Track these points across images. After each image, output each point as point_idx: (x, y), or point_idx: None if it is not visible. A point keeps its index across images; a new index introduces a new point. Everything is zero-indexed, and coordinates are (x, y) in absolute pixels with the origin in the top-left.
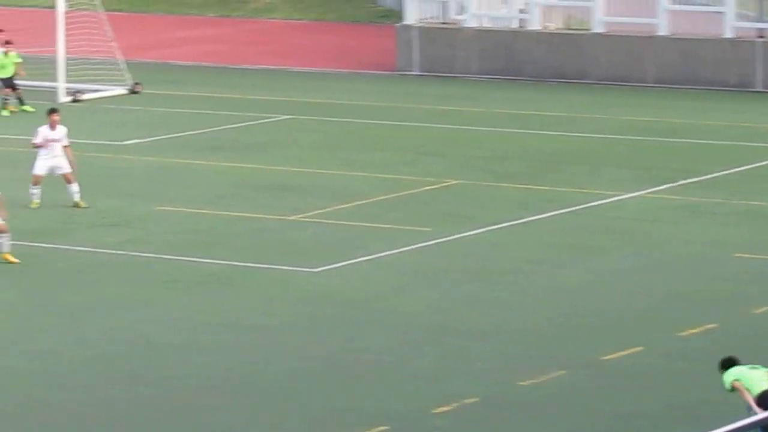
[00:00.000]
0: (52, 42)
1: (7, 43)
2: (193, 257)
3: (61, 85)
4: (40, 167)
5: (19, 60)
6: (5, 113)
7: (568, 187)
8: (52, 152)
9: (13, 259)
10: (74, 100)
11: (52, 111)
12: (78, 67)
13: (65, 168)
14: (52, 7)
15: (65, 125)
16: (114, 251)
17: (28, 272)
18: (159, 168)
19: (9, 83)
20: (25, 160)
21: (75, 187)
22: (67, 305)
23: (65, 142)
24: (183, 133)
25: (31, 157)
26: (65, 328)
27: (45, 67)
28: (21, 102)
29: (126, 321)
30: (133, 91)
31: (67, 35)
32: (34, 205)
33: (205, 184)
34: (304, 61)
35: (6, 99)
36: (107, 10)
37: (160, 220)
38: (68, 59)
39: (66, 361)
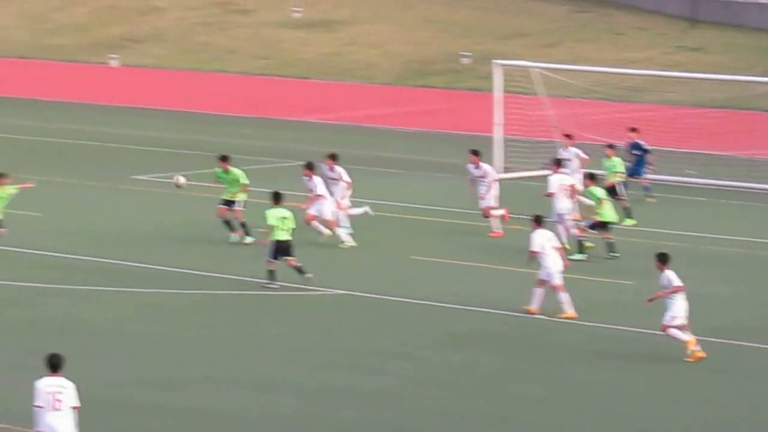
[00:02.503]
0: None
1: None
2: None
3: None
4: None
5: (621, 170)
6: (629, 222)
7: None
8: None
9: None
10: None
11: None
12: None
13: None
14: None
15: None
16: None
17: (724, 370)
18: None
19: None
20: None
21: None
22: (755, 409)
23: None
24: None
25: None
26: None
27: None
28: (628, 214)
29: None
30: None
31: None
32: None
33: None
34: None
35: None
36: None
37: None
38: None
39: None
